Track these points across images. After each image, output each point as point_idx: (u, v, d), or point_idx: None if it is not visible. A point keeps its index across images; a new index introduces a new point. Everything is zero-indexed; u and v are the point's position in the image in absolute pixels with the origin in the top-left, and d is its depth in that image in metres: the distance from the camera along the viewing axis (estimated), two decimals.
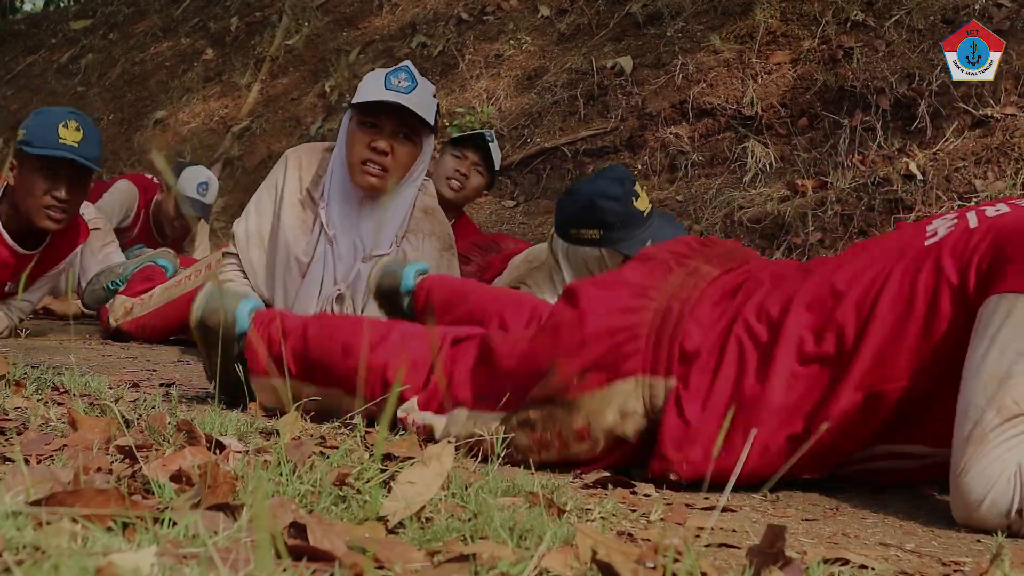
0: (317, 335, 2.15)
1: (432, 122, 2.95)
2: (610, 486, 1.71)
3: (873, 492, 1.79)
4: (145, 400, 2.11)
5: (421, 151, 2.99)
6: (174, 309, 3.75)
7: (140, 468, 1.38)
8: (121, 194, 5.53)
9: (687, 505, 1.62)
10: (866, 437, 1.71)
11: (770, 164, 5.11)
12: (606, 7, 6.81)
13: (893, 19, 5.23)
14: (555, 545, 1.17)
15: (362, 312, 2.96)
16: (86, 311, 4.49)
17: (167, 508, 1.17)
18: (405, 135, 2.93)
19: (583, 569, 1.11)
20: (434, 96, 2.99)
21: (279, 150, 7.60)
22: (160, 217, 5.62)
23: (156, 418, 1.76)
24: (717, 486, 1.64)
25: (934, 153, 4.53)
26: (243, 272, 3.05)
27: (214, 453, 1.55)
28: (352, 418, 1.88)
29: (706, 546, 1.37)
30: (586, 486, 1.72)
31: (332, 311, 2.97)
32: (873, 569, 1.30)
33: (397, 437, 1.88)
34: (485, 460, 1.73)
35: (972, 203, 1.88)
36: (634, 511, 1.56)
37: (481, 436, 1.80)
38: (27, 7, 14.00)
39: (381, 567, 1.08)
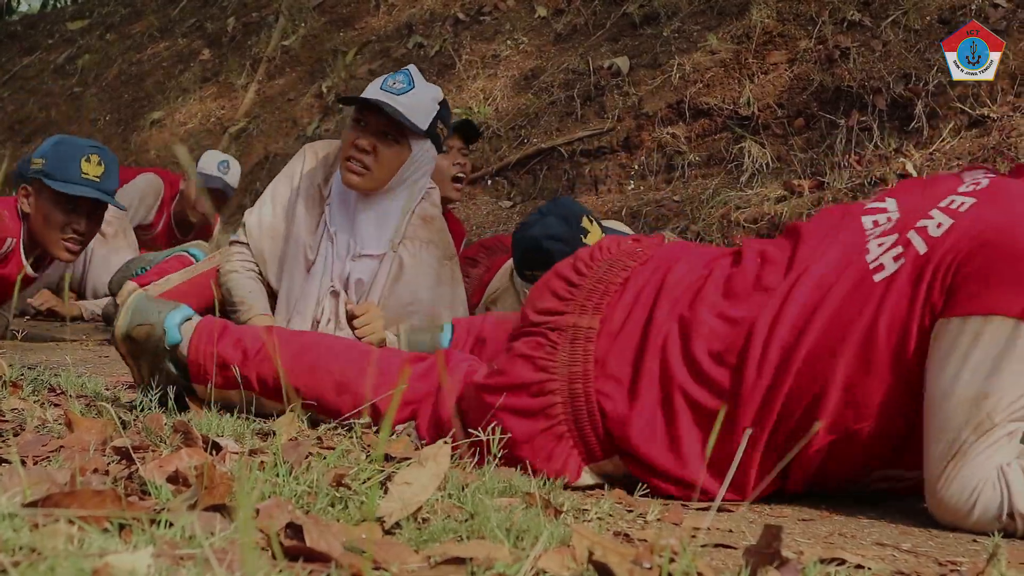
0: (295, 364, 2.08)
1: (423, 126, 2.91)
2: (607, 487, 1.71)
3: (869, 493, 1.79)
4: (141, 401, 2.10)
5: (410, 154, 2.95)
6: (192, 287, 3.72)
7: (137, 469, 1.38)
8: (142, 187, 5.41)
9: (683, 505, 1.62)
10: (857, 466, 1.71)
11: (767, 164, 5.12)
12: (603, 7, 6.82)
13: (889, 19, 5.24)
14: (551, 545, 1.17)
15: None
16: (92, 316, 4.44)
17: (163, 509, 1.17)
18: (390, 136, 2.91)
19: (579, 569, 1.11)
20: (438, 102, 2.96)
21: (276, 151, 7.61)
22: (184, 211, 5.51)
23: (153, 419, 1.77)
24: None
25: (931, 153, 4.53)
26: (251, 262, 3.05)
27: (211, 454, 1.55)
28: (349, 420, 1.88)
29: (702, 546, 1.37)
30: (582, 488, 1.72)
31: (327, 308, 2.97)
32: (870, 569, 1.30)
33: (394, 437, 1.88)
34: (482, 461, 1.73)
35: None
36: (630, 511, 1.56)
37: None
38: (23, 8, 13.99)
39: (378, 568, 1.08)
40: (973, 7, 4.99)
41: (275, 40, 8.88)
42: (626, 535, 1.38)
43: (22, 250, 3.56)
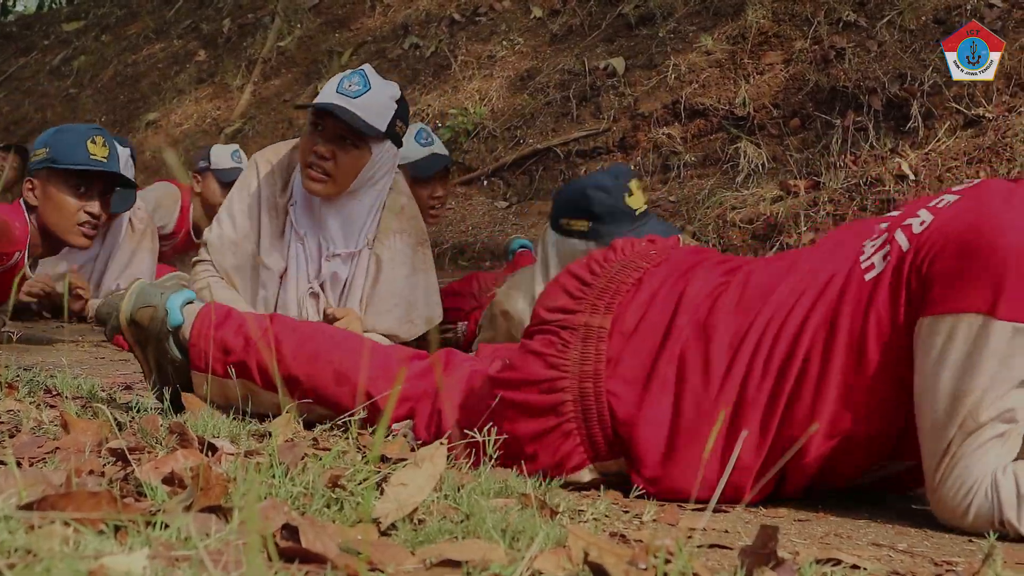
0: (296, 353, 2.08)
1: (381, 127, 2.86)
2: (603, 487, 1.71)
3: (865, 493, 1.79)
4: (138, 402, 2.10)
5: (371, 156, 2.90)
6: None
7: (132, 471, 1.38)
8: (158, 195, 5.17)
9: (679, 506, 1.62)
10: (859, 466, 1.71)
11: (762, 164, 5.12)
12: (598, 8, 6.82)
13: (885, 19, 5.25)
14: (547, 546, 1.17)
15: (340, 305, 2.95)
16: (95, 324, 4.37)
17: (159, 511, 1.17)
18: (349, 140, 2.86)
19: (575, 570, 1.11)
20: (395, 100, 2.91)
21: None
22: (204, 212, 5.35)
23: (148, 420, 1.76)
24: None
25: (926, 153, 4.54)
26: (218, 276, 3.00)
27: (206, 455, 1.55)
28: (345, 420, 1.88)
29: (698, 547, 1.37)
30: (579, 487, 1.72)
31: (308, 309, 2.95)
32: (865, 569, 1.30)
33: (391, 438, 1.88)
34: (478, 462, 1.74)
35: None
36: (626, 512, 1.56)
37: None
38: (19, 8, 13.97)
39: (374, 569, 1.08)
40: (968, 7, 5.00)
41: (271, 41, 8.88)
42: (622, 536, 1.38)
43: (26, 258, 3.53)
